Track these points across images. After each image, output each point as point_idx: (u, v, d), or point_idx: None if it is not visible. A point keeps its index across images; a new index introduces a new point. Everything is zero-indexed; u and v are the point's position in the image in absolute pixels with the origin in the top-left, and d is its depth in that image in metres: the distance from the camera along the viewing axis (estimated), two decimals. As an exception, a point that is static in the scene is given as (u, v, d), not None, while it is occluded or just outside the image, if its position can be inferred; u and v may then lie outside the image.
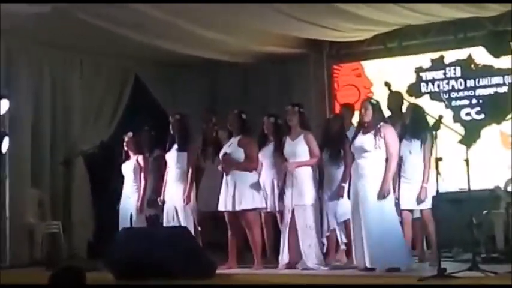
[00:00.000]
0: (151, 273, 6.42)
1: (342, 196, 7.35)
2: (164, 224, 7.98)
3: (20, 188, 9.12)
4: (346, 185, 7.32)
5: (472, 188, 6.56)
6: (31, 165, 9.36)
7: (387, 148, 6.80)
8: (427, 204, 7.20)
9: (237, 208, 7.55)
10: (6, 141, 8.70)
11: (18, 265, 8.51)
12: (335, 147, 7.57)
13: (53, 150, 9.70)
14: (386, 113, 7.62)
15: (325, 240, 7.71)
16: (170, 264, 6.50)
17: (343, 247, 7.74)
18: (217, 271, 6.93)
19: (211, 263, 6.89)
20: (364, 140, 6.85)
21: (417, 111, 7.48)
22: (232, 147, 7.69)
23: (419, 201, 7.14)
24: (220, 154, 7.74)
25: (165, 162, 8.15)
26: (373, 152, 6.78)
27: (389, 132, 6.89)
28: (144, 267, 6.52)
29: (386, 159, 6.80)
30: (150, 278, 6.37)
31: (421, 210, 7.31)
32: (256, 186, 7.63)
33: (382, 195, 6.72)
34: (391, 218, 6.81)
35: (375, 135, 6.79)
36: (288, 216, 7.42)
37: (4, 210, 8.83)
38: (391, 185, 6.80)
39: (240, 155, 7.65)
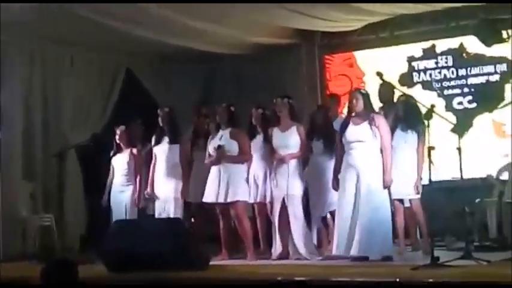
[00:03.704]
0: (144, 265, 6.41)
1: (338, 187, 7.17)
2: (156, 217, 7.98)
3: (12, 181, 9.09)
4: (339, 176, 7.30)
5: (464, 176, 6.59)
6: (23, 158, 9.33)
7: (381, 139, 6.81)
8: (416, 193, 7.21)
9: (230, 199, 7.54)
10: (-3, 135, 8.69)
11: (10, 258, 8.48)
12: (328, 138, 7.55)
13: (45, 143, 9.66)
14: (378, 104, 7.62)
15: (315, 231, 7.72)
16: (163, 256, 6.49)
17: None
18: (211, 262, 6.92)
19: (204, 255, 6.89)
20: (359, 130, 6.83)
21: (409, 103, 7.48)
22: (224, 140, 7.67)
23: (417, 191, 7.14)
24: (213, 146, 7.71)
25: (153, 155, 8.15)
26: (369, 142, 6.78)
27: (383, 123, 6.90)
28: (138, 259, 6.51)
29: (380, 150, 6.80)
30: (143, 270, 6.36)
31: (410, 200, 7.32)
32: (247, 177, 7.65)
33: (386, 186, 6.76)
34: (385, 208, 6.83)
35: (370, 125, 6.78)
36: (278, 207, 7.42)
37: (-4, 204, 8.81)
38: (392, 175, 6.81)
39: (234, 147, 7.65)
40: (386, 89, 7.99)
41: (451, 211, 7.43)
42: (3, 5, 7.73)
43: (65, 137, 9.78)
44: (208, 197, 7.67)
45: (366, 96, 6.94)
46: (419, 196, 7.20)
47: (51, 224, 9.28)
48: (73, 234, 9.61)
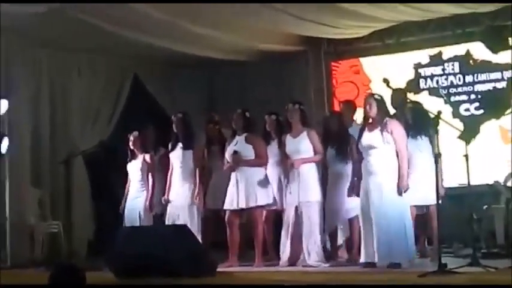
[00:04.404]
0: (152, 271, 6.42)
1: (359, 193, 7.07)
2: (167, 223, 7.99)
3: (20, 188, 9.10)
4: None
5: (471, 183, 6.57)
6: (31, 165, 9.36)
7: (396, 143, 6.78)
8: (434, 199, 7.18)
9: (250, 205, 7.52)
10: (5, 142, 8.71)
11: (18, 265, 8.50)
12: (341, 144, 7.54)
13: (53, 150, 9.69)
14: (391, 110, 7.61)
15: (327, 237, 7.71)
16: (171, 263, 6.49)
17: (340, 243, 7.76)
18: (219, 269, 6.92)
19: (212, 261, 6.89)
20: (371, 137, 6.82)
21: (418, 109, 7.47)
22: (240, 145, 7.67)
23: (441, 195, 7.13)
24: (229, 152, 7.71)
25: (169, 161, 8.16)
26: (381, 148, 6.76)
27: (396, 127, 6.87)
28: (145, 266, 6.52)
29: (396, 155, 6.79)
30: (151, 277, 6.37)
31: (428, 206, 7.30)
32: (266, 182, 7.64)
33: (400, 191, 6.71)
34: (404, 214, 6.79)
35: (382, 131, 6.77)
36: (292, 213, 7.42)
37: (4, 211, 8.82)
38: (407, 180, 6.78)
39: (249, 152, 7.65)
40: (397, 96, 7.99)
41: (458, 218, 7.42)
42: (9, 13, 7.75)
43: (73, 143, 9.81)
44: (229, 204, 7.65)
45: (380, 102, 6.91)
46: (436, 202, 7.17)
47: (59, 230, 9.31)
48: (81, 241, 9.63)
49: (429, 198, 7.10)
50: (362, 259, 6.86)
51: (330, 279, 6.25)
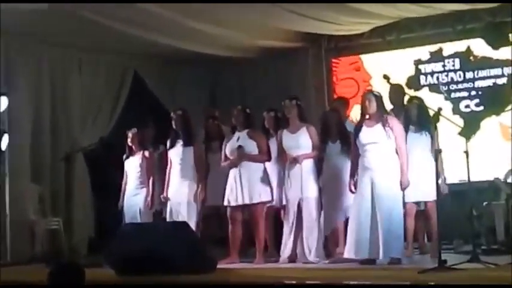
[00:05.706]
0: (152, 268, 6.42)
1: (355, 190, 7.10)
2: (167, 220, 7.98)
3: (20, 184, 9.11)
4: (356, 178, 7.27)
5: (472, 179, 6.57)
6: (31, 161, 9.36)
7: (396, 140, 6.79)
8: (433, 196, 7.18)
9: (254, 201, 7.52)
10: (5, 139, 8.72)
11: (18, 262, 8.50)
12: (345, 139, 7.51)
13: (53, 147, 9.69)
14: (388, 106, 7.61)
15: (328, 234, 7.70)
16: (171, 259, 6.49)
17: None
18: (219, 266, 6.92)
19: (212, 258, 6.89)
20: (372, 132, 6.81)
21: (421, 105, 7.48)
22: (243, 141, 7.65)
23: (440, 194, 7.12)
24: (232, 147, 7.68)
25: (168, 158, 8.16)
26: (383, 143, 6.76)
27: (396, 124, 6.88)
28: (145, 263, 6.52)
29: (395, 151, 6.78)
30: (151, 273, 6.37)
31: (426, 202, 7.30)
32: (266, 178, 7.63)
33: (403, 187, 6.75)
34: (399, 210, 6.82)
35: (384, 126, 6.78)
36: (294, 209, 7.40)
37: (4, 207, 8.83)
38: (408, 177, 6.80)
39: (253, 147, 7.63)
40: (396, 92, 7.99)
41: (458, 214, 7.42)
42: (10, 10, 7.75)
43: (74, 140, 9.81)
44: (231, 200, 7.62)
45: (379, 98, 6.93)
46: (435, 198, 7.16)
47: (59, 227, 9.32)
48: (81, 238, 9.64)
49: (428, 194, 7.12)
50: (352, 255, 6.79)
51: (330, 276, 6.25)
